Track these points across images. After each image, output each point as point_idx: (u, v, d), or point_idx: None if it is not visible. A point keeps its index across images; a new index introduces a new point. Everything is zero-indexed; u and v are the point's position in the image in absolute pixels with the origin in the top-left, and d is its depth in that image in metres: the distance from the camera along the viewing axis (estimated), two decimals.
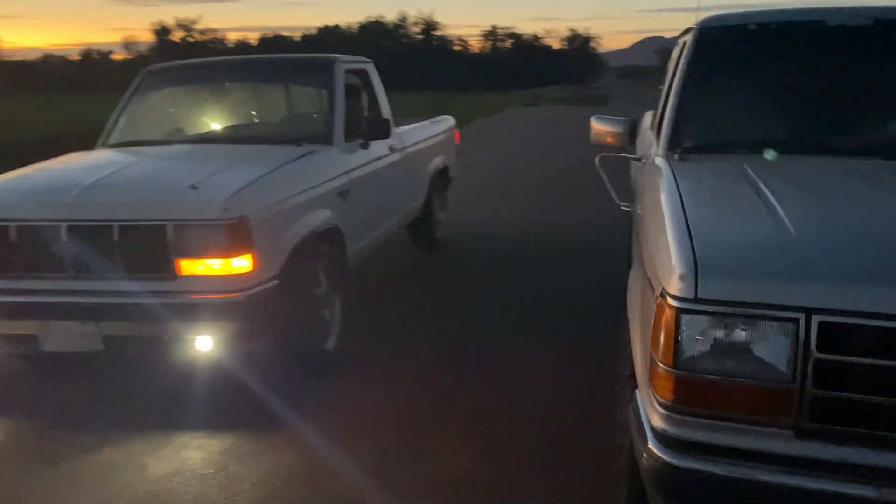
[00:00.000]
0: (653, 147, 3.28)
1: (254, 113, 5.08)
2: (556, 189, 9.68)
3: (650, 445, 1.79)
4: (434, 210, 6.26)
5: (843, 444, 1.67)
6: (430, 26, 75.31)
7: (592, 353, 3.83)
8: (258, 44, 77.48)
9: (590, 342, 4.01)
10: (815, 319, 1.63)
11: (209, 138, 4.55)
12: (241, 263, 3.08)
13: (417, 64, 59.01)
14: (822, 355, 1.63)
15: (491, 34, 78.14)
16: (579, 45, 78.80)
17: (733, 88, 3.20)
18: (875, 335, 1.62)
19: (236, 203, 3.08)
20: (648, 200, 2.56)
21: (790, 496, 1.67)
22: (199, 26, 65.88)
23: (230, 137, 4.55)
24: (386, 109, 5.21)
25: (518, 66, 66.85)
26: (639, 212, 2.88)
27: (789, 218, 1.94)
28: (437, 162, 6.34)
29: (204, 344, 3.12)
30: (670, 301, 1.72)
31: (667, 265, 1.82)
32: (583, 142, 15.93)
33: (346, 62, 4.64)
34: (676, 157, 2.79)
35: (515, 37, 77.24)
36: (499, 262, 5.96)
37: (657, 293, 1.81)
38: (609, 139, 3.53)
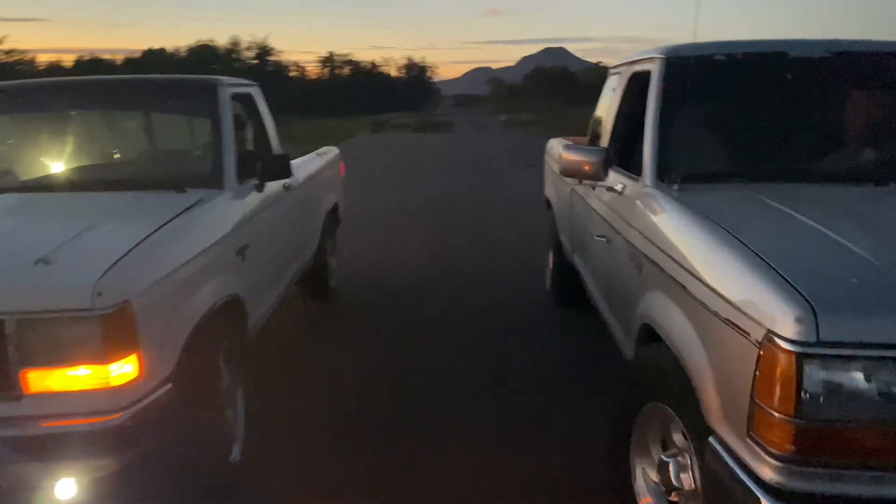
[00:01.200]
0: (617, 176, 3.28)
1: (115, 150, 3.97)
2: (448, 216, 9.35)
3: (764, 501, 1.67)
4: (327, 256, 5.50)
5: None
6: (264, 51, 73.13)
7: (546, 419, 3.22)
8: (73, 66, 71.07)
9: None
10: None
11: (54, 184, 3.38)
12: (123, 369, 2.15)
13: None
14: None
15: (328, 60, 77.20)
16: (417, 74, 79.82)
17: (709, 118, 3.23)
18: None
19: (113, 284, 2.14)
20: (670, 233, 2.47)
21: None
22: (3, 46, 59.21)
23: (86, 182, 3.38)
24: (276, 142, 4.37)
25: (358, 92, 66.44)
26: (632, 240, 2.84)
27: (858, 248, 1.91)
28: (329, 200, 5.60)
29: (66, 491, 2.15)
30: (785, 345, 1.63)
31: (768, 306, 1.71)
32: (449, 169, 15.70)
33: (230, 85, 3.77)
34: (675, 188, 2.73)
35: (353, 63, 76.80)
36: (402, 308, 5.32)
37: (759, 338, 1.70)
38: (587, 167, 3.32)
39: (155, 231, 2.53)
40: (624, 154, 3.37)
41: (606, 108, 4.24)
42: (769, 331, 1.67)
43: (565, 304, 5.25)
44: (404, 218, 9.17)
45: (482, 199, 10.73)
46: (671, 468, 2.24)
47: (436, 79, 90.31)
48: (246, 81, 4.22)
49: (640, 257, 2.73)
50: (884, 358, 1.60)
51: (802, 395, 1.62)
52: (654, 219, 2.69)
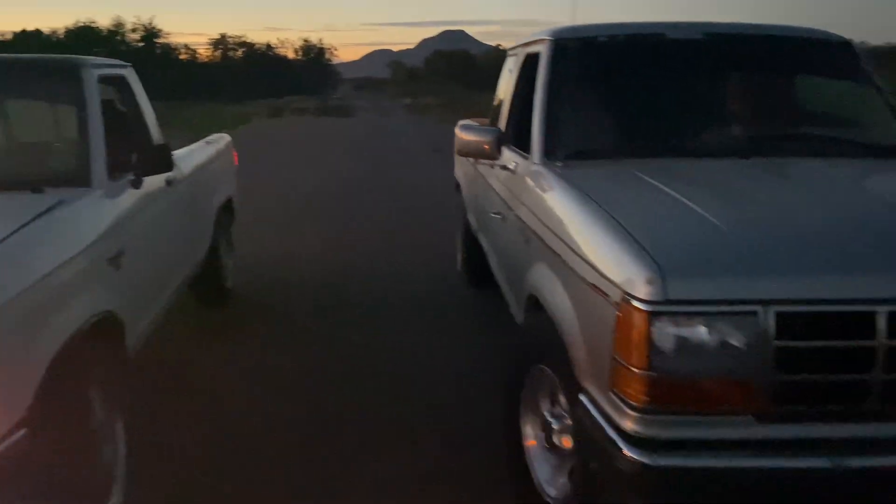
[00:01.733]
0: (511, 155, 3.38)
1: None
2: (352, 204, 8.89)
3: (626, 451, 1.82)
4: (222, 255, 4.98)
5: (801, 423, 1.81)
6: (151, 33, 69.36)
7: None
8: None
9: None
10: (773, 310, 1.75)
11: None
12: None
13: (139, 73, 53.82)
14: (780, 343, 1.75)
15: (220, 42, 74.02)
16: (314, 56, 77.74)
17: (594, 97, 3.34)
18: (822, 319, 1.77)
19: None
20: (548, 206, 2.66)
21: (757, 477, 1.79)
22: None
23: None
24: (156, 130, 3.86)
25: (253, 76, 63.99)
26: (521, 216, 2.97)
27: (711, 215, 2.08)
28: (221, 193, 5.06)
29: None
30: (638, 305, 1.78)
31: (625, 269, 1.87)
32: (353, 156, 14.97)
33: (98, 66, 3.28)
34: (559, 164, 2.87)
35: (247, 45, 73.98)
36: (307, 309, 4.92)
37: (616, 299, 1.86)
38: (483, 146, 3.42)
39: (4, 241, 2.09)
40: (518, 133, 3.42)
41: (504, 89, 4.31)
42: (624, 292, 1.83)
43: (475, 283, 5.19)
44: (308, 210, 8.61)
45: (392, 187, 10.27)
46: (553, 427, 2.40)
47: (335, 61, 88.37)
48: (117, 62, 3.76)
49: (527, 231, 2.86)
50: (723, 313, 1.76)
51: (653, 350, 1.77)
52: (539, 194, 2.83)
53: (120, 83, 3.64)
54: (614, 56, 3.38)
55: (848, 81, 3.47)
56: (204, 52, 74.60)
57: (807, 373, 1.78)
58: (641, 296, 1.77)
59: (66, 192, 2.65)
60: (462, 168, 5.44)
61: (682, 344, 1.77)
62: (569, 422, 2.27)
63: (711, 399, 1.81)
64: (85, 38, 64.58)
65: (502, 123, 3.95)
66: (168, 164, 3.31)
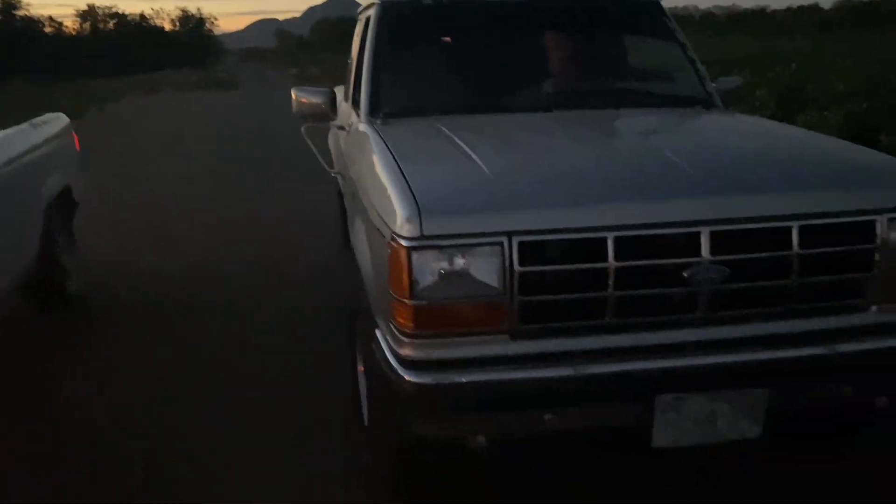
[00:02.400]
0: (352, 116, 3.56)
1: None
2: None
3: (400, 372, 2.04)
4: (58, 254, 4.41)
5: (548, 339, 2.07)
6: (9, 5, 64.23)
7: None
8: None
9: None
10: (515, 240, 1.98)
11: None
12: None
13: None
14: (522, 268, 1.99)
15: (89, 14, 69.54)
16: (194, 27, 74.32)
17: (418, 58, 3.54)
18: (559, 247, 2.03)
19: None
20: (362, 161, 2.87)
21: (513, 388, 2.04)
22: None
23: None
24: None
25: (127, 49, 60.60)
26: (352, 175, 3.17)
27: (483, 162, 2.32)
28: (52, 183, 4.44)
29: None
30: (401, 242, 2.00)
31: (392, 212, 2.09)
32: (239, 135, 13.26)
33: None
34: (379, 121, 3.07)
35: (119, 17, 69.81)
36: (169, 311, 4.43)
37: (388, 238, 2.06)
38: (320, 108, 3.58)
39: None
40: (356, 94, 3.58)
41: (353, 51, 4.49)
42: (392, 231, 2.04)
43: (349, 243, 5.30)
44: (182, 196, 7.79)
45: (280, 168, 9.34)
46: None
47: (217, 32, 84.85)
48: None
49: (353, 186, 3.05)
50: (473, 245, 1.98)
51: (414, 281, 1.98)
52: (357, 150, 3.08)
53: None
54: (434, 18, 3.56)
55: (655, 39, 3.76)
56: (71, 24, 69.88)
57: (550, 294, 2.03)
58: (403, 233, 1.99)
59: None
60: (333, 133, 5.47)
61: (439, 274, 1.99)
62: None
63: (469, 322, 2.04)
64: None
65: (350, 85, 4.13)
66: None
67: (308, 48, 69.93)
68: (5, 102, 17.45)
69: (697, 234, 2.02)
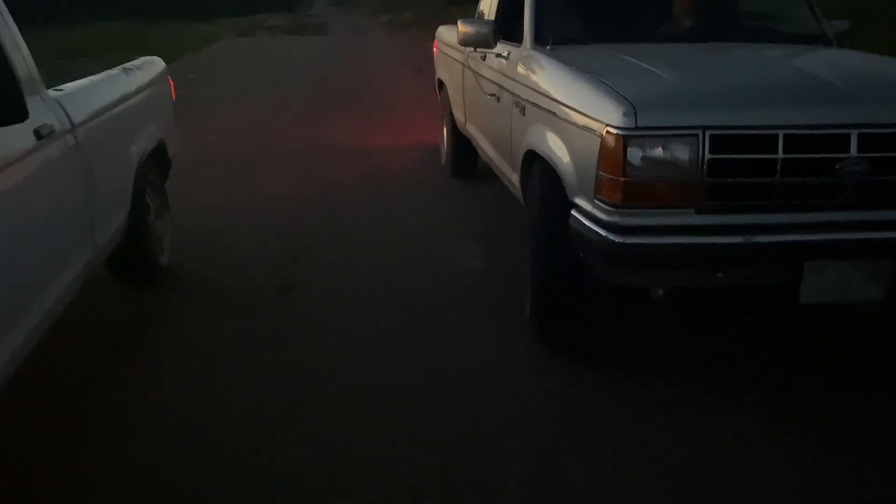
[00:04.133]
0: (505, 46, 4.10)
1: None
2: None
3: (608, 236, 2.62)
4: (150, 220, 3.88)
5: (726, 214, 2.62)
6: None
7: None
8: None
9: None
10: (707, 133, 2.54)
11: None
12: None
13: None
14: (711, 156, 2.55)
15: None
16: None
17: None
18: (741, 140, 2.59)
19: None
20: (546, 77, 3.46)
21: (695, 250, 2.62)
22: None
23: None
24: (16, 52, 2.70)
25: None
26: (520, 92, 3.70)
27: (666, 74, 2.98)
28: (146, 138, 3.92)
29: None
30: (616, 132, 2.57)
31: (605, 109, 2.67)
32: (329, 80, 13.00)
33: None
34: (549, 48, 3.68)
35: None
36: (271, 292, 3.90)
37: (600, 131, 2.65)
38: (484, 36, 4.11)
39: None
40: (506, 29, 4.17)
41: None
42: (607, 125, 2.61)
43: (461, 173, 6.16)
44: (278, 143, 7.61)
45: (371, 118, 9.08)
46: None
47: None
48: None
49: (522, 103, 3.62)
50: (675, 136, 2.56)
51: (627, 163, 2.56)
52: (533, 71, 3.63)
53: None
54: None
55: None
56: None
57: (730, 177, 2.61)
58: (619, 125, 2.57)
59: None
60: (446, 67, 6.19)
61: (646, 158, 2.57)
62: None
63: (666, 198, 2.63)
64: None
65: (492, 18, 4.65)
66: (19, 111, 2.25)
67: None
68: (103, 42, 18.30)
69: (848, 135, 2.59)
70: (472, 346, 3.35)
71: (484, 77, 4.59)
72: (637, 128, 2.55)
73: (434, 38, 6.95)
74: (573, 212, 2.87)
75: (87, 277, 3.08)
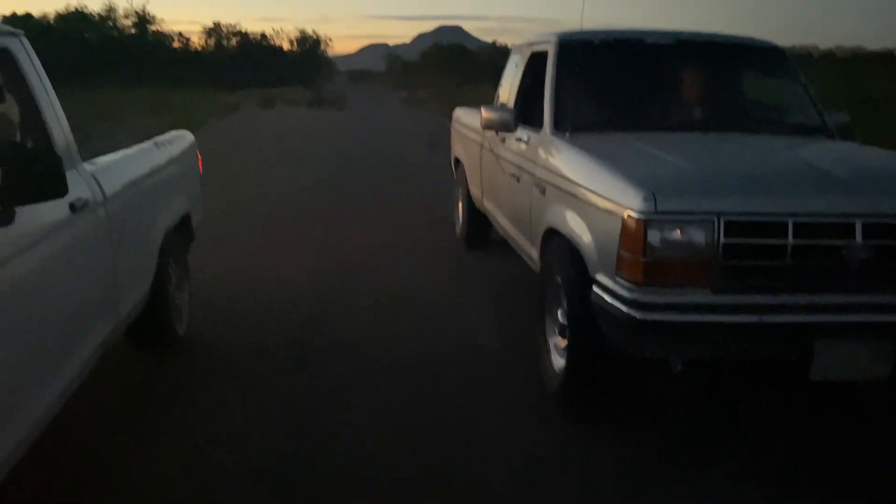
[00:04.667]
0: (524, 131, 4.37)
1: None
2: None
3: (629, 312, 2.79)
4: (170, 291, 3.91)
5: (738, 293, 2.81)
6: (143, 20, 69.37)
7: None
8: None
9: None
10: (722, 219, 2.76)
11: None
12: None
13: (129, 59, 53.68)
14: (726, 240, 2.76)
15: (214, 31, 74.22)
16: (309, 48, 78.03)
17: (591, 85, 4.40)
18: (753, 225, 2.79)
19: None
20: (565, 162, 3.71)
21: (712, 327, 2.79)
22: None
23: None
24: (57, 127, 2.86)
25: (246, 65, 64.25)
26: (540, 173, 3.97)
27: (681, 162, 3.19)
28: (173, 210, 3.99)
29: None
30: (637, 216, 2.78)
31: (626, 194, 2.88)
32: (347, 151, 13.33)
33: None
34: (567, 134, 3.92)
35: (242, 35, 74.11)
36: (285, 361, 3.94)
37: (622, 213, 2.86)
38: (506, 121, 4.41)
39: None
40: (526, 115, 4.47)
41: (510, 79, 5.40)
42: (628, 208, 2.82)
43: (474, 245, 6.47)
44: (293, 212, 7.82)
45: (388, 190, 9.39)
46: (560, 316, 3.47)
47: (330, 53, 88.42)
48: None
49: (543, 184, 3.88)
50: (691, 221, 2.76)
51: (647, 244, 2.75)
52: (554, 156, 3.89)
53: (0, 59, 2.64)
54: (605, 54, 4.48)
55: (781, 78, 4.65)
56: (197, 40, 74.57)
57: (744, 260, 2.81)
58: (640, 209, 2.79)
59: None
60: (463, 146, 6.55)
61: (665, 240, 2.77)
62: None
63: (683, 277, 2.81)
64: (76, 23, 64.42)
65: (514, 105, 4.94)
66: (59, 187, 2.30)
67: (416, 72, 71.97)
68: (129, 106, 18.95)
69: (853, 224, 2.81)
70: (485, 419, 3.40)
71: (504, 158, 4.84)
72: (657, 212, 2.76)
73: (449, 116, 7.40)
74: (595, 287, 3.07)
75: (107, 348, 3.07)
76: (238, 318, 4.58)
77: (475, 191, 6.04)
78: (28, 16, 74.24)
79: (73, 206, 2.70)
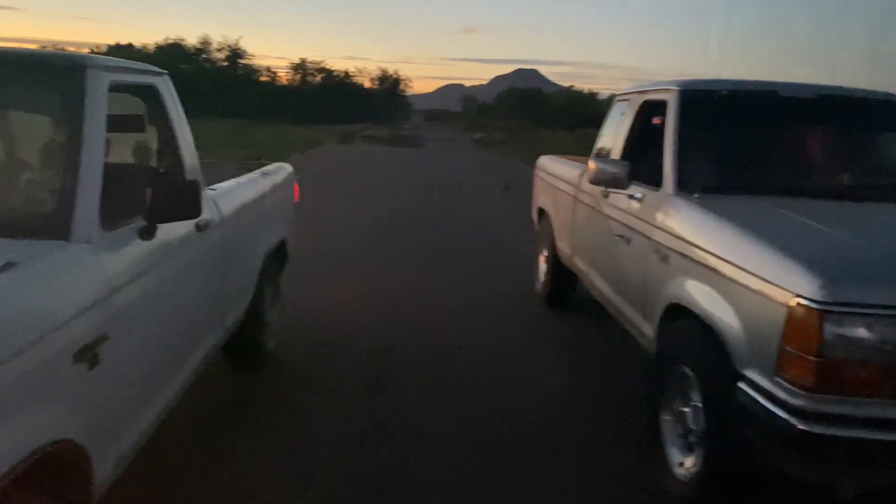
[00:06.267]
0: (636, 188, 3.77)
1: None
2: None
3: (790, 420, 2.23)
4: (264, 310, 4.16)
5: None
6: (235, 54, 72.02)
7: None
8: None
9: None
10: None
11: None
12: None
13: (220, 91, 55.60)
14: None
15: (300, 67, 76.33)
16: (390, 86, 79.43)
17: (719, 140, 3.82)
18: None
19: None
20: (699, 229, 3.08)
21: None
22: None
23: None
24: (190, 158, 3.16)
25: (328, 101, 65.58)
26: (663, 241, 3.34)
27: (849, 239, 2.66)
28: (273, 234, 4.34)
29: None
30: (811, 305, 2.21)
31: (793, 277, 2.32)
32: (421, 188, 13.38)
33: (112, 69, 2.52)
34: (696, 196, 3.31)
35: (326, 72, 75.99)
36: (366, 381, 4.10)
37: (786, 300, 2.29)
38: (618, 177, 3.79)
39: None
40: (636, 169, 3.80)
41: (615, 129, 4.75)
42: (797, 295, 2.26)
43: (556, 303, 5.72)
44: (370, 246, 7.98)
45: (461, 230, 9.60)
46: (689, 416, 2.86)
47: (408, 92, 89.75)
48: (147, 67, 2.98)
49: (665, 251, 3.27)
50: (880, 315, 2.19)
51: (822, 342, 2.17)
52: (680, 219, 3.27)
53: (148, 95, 2.93)
54: (733, 107, 3.83)
55: None
56: (284, 75, 76.81)
57: None
58: (815, 297, 2.20)
59: (26, 246, 1.94)
60: (551, 198, 5.82)
61: (847, 338, 2.18)
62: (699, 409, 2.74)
63: (867, 385, 2.21)
64: (173, 54, 67.35)
65: (621, 156, 4.38)
66: (194, 209, 2.53)
67: (491, 113, 72.05)
68: (214, 138, 19.43)
69: None
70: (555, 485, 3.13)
71: (607, 216, 4.20)
72: (836, 303, 2.20)
73: (524, 159, 6.77)
74: (742, 384, 2.49)
75: (210, 357, 3.31)
76: (321, 340, 4.79)
77: (564, 246, 5.34)
78: (130, 46, 78.48)
79: (198, 226, 3.02)
